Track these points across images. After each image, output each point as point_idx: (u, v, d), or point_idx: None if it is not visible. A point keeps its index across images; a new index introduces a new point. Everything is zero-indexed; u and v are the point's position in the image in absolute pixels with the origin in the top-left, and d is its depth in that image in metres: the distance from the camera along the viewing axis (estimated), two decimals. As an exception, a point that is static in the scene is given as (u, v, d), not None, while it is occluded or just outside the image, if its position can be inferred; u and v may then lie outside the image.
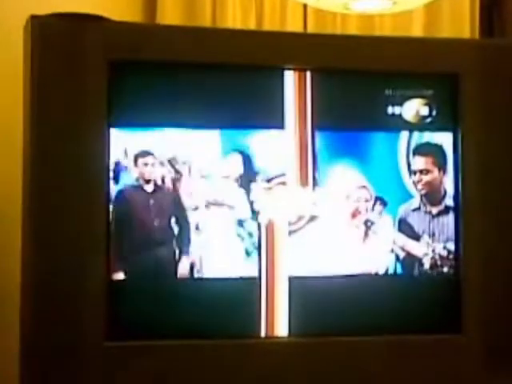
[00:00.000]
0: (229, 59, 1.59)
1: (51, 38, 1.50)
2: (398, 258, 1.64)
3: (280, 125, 1.61)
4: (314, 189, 1.61)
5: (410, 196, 1.64)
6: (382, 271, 1.63)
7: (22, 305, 1.51)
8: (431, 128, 1.66)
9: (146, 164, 1.54)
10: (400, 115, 1.66)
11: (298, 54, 1.63)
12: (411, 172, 1.64)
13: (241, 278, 1.58)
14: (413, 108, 1.66)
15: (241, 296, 1.58)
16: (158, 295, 1.56)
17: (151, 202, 1.54)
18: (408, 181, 1.64)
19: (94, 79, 1.51)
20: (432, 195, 1.65)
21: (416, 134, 1.65)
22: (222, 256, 1.58)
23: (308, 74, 1.62)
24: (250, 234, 1.58)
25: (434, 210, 1.65)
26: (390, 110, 1.66)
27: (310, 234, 1.61)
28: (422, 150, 1.64)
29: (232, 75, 1.61)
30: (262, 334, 1.59)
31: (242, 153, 1.59)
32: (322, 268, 1.61)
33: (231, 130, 1.59)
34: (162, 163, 1.55)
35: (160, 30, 1.67)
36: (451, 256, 1.64)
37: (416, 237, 1.64)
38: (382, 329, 1.61)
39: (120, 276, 1.53)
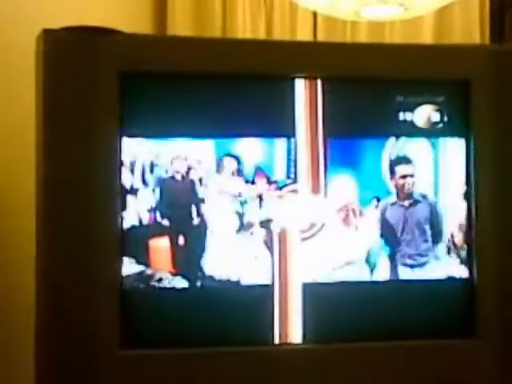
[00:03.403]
0: (239, 69, 1.60)
1: (63, 52, 1.51)
2: (410, 262, 1.64)
3: (291, 133, 1.61)
4: (325, 196, 1.61)
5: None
6: (395, 276, 1.63)
7: (36, 314, 1.52)
8: (443, 134, 1.66)
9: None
10: (412, 122, 1.66)
11: (308, 62, 1.63)
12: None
13: (254, 286, 1.58)
14: (424, 114, 1.66)
15: (254, 303, 1.58)
16: (171, 303, 1.56)
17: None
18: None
19: (106, 91, 1.52)
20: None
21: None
22: (234, 263, 1.58)
23: (319, 82, 1.63)
24: (263, 242, 1.59)
25: (407, 203, 1.64)
26: (401, 116, 1.66)
27: (323, 241, 1.61)
28: (402, 160, 1.64)
29: (243, 84, 1.61)
30: (276, 341, 1.59)
31: (253, 161, 1.59)
32: (335, 274, 1.61)
33: (242, 139, 1.59)
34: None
35: (170, 42, 1.68)
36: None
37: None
38: (397, 334, 1.61)
39: (133, 284, 1.54)
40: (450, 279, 1.65)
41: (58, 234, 1.50)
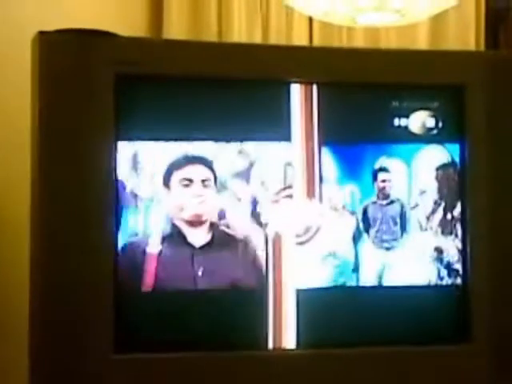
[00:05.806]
0: (235, 73, 1.60)
1: (58, 54, 1.51)
2: (405, 268, 1.64)
3: (287, 137, 1.61)
4: (320, 201, 1.61)
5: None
6: (389, 282, 1.63)
7: (30, 317, 1.51)
8: (437, 140, 1.67)
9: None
10: (406, 127, 1.66)
11: (304, 67, 1.63)
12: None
13: (248, 291, 1.58)
14: (419, 120, 1.66)
15: (248, 308, 1.58)
16: (165, 307, 1.56)
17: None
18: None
19: (102, 93, 1.52)
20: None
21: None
22: (229, 268, 1.58)
23: (314, 87, 1.63)
24: (257, 247, 1.58)
25: (385, 202, 1.64)
26: (396, 122, 1.66)
27: (317, 246, 1.61)
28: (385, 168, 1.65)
29: (238, 89, 1.61)
30: (270, 346, 1.59)
31: (248, 166, 1.59)
32: (330, 280, 1.61)
33: (238, 143, 1.59)
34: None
35: (166, 45, 1.69)
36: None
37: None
38: (391, 340, 1.61)
39: (128, 288, 1.54)
40: (445, 285, 1.65)
41: (53, 238, 1.49)
